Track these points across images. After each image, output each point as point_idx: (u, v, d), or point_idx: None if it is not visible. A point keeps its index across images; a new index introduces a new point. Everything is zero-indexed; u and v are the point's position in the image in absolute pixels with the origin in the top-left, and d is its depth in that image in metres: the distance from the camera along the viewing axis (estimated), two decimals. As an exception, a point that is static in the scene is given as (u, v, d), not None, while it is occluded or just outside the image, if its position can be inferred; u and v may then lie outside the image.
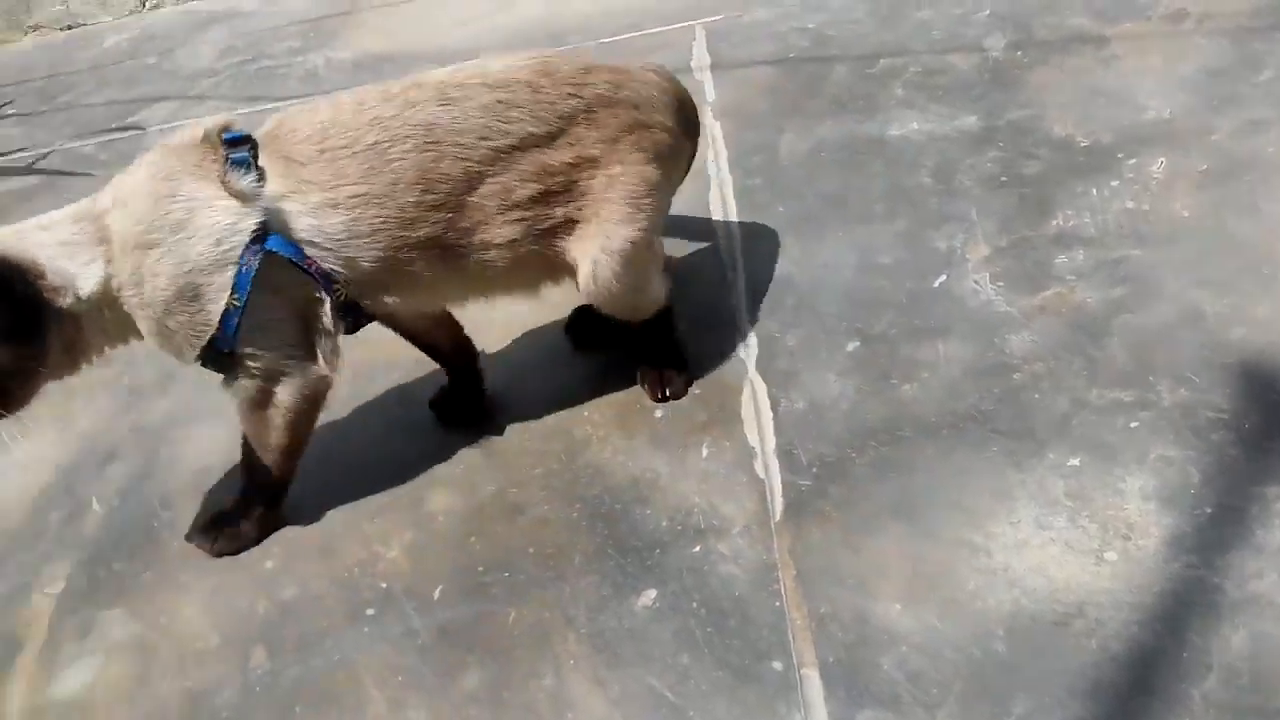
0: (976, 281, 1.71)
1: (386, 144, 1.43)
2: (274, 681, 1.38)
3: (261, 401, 1.50)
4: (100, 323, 1.43)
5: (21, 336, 1.35)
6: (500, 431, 1.68)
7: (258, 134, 1.45)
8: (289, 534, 1.60)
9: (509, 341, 1.87)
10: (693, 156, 1.72)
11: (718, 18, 2.83)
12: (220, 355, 1.44)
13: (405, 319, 1.67)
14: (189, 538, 1.61)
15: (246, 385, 1.48)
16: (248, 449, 1.57)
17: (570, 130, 1.50)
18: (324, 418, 1.67)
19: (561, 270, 1.57)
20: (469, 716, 1.28)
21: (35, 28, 4.47)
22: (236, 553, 1.59)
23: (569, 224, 1.52)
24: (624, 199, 1.52)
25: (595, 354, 1.79)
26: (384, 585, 1.48)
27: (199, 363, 1.46)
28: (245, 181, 1.39)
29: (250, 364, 1.46)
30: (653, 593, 1.36)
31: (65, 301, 1.37)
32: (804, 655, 1.24)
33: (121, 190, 1.43)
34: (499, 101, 1.47)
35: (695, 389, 1.66)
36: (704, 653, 1.27)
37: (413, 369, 1.83)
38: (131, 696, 1.42)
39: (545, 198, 1.50)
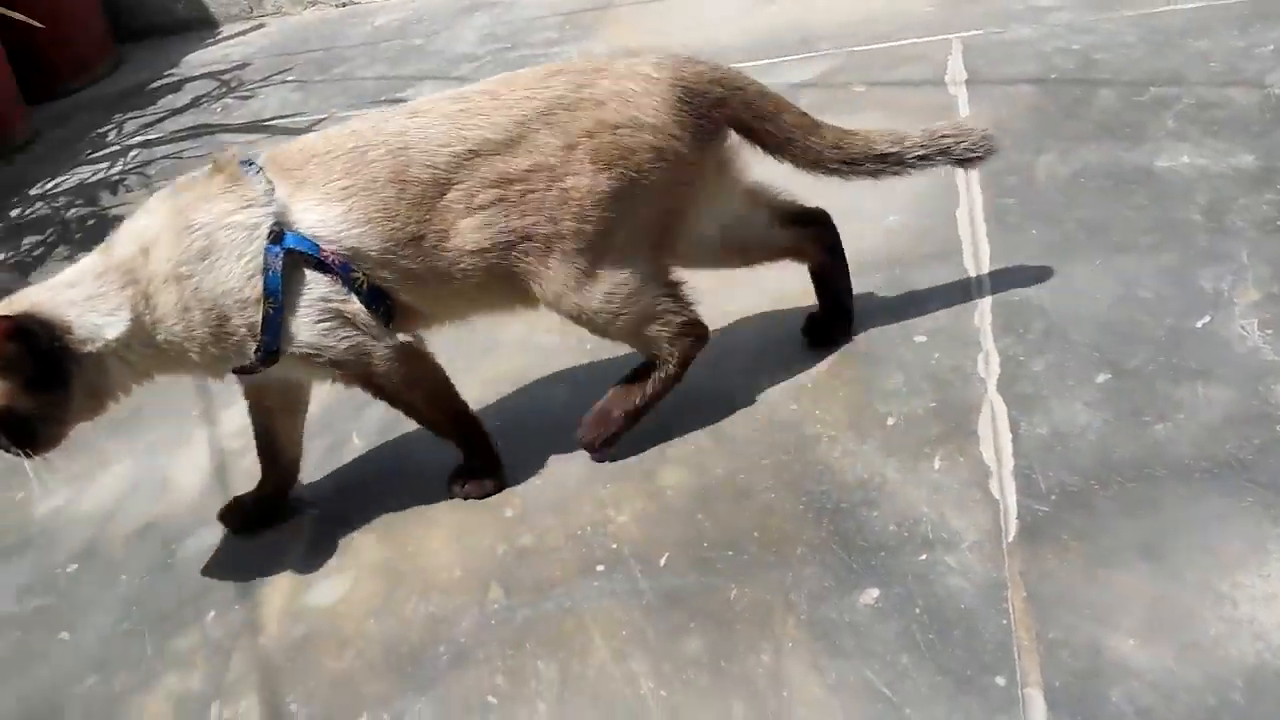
0: (1244, 326, 1.64)
1: (363, 149, 1.52)
2: (508, 617, 1.49)
3: (367, 378, 1.60)
4: (128, 362, 1.53)
5: (46, 387, 1.46)
6: (731, 418, 1.74)
7: (263, 158, 1.57)
8: (528, 488, 1.71)
9: (750, 330, 1.92)
10: (703, 166, 1.60)
11: (977, 33, 2.79)
12: (268, 357, 1.53)
13: (273, 395, 1.71)
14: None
15: (334, 372, 1.59)
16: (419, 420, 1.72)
17: (528, 136, 1.51)
18: (563, 386, 1.78)
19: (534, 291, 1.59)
20: (688, 677, 1.34)
21: (314, 3, 4.87)
22: (481, 496, 1.71)
23: (533, 238, 1.53)
24: (574, 216, 1.51)
25: (826, 354, 1.82)
26: (614, 546, 1.56)
27: (247, 372, 1.58)
28: (256, 184, 1.50)
29: (318, 358, 1.54)
30: (875, 592, 1.38)
31: (91, 349, 1.48)
32: (1029, 675, 1.23)
33: (142, 235, 1.52)
34: (460, 110, 1.53)
35: (930, 402, 1.66)
36: (925, 656, 1.28)
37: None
38: (378, 613, 1.56)
39: (505, 206, 1.51)
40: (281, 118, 3.63)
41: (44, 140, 4.09)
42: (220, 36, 4.82)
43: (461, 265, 1.54)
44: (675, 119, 1.53)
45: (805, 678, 1.29)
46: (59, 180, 3.62)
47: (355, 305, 1.53)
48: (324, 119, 3.50)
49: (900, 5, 3.14)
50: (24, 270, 2.97)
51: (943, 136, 1.65)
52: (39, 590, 1.77)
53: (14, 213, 3.45)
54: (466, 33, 3.96)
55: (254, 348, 1.51)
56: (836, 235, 1.78)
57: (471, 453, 1.71)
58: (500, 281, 1.57)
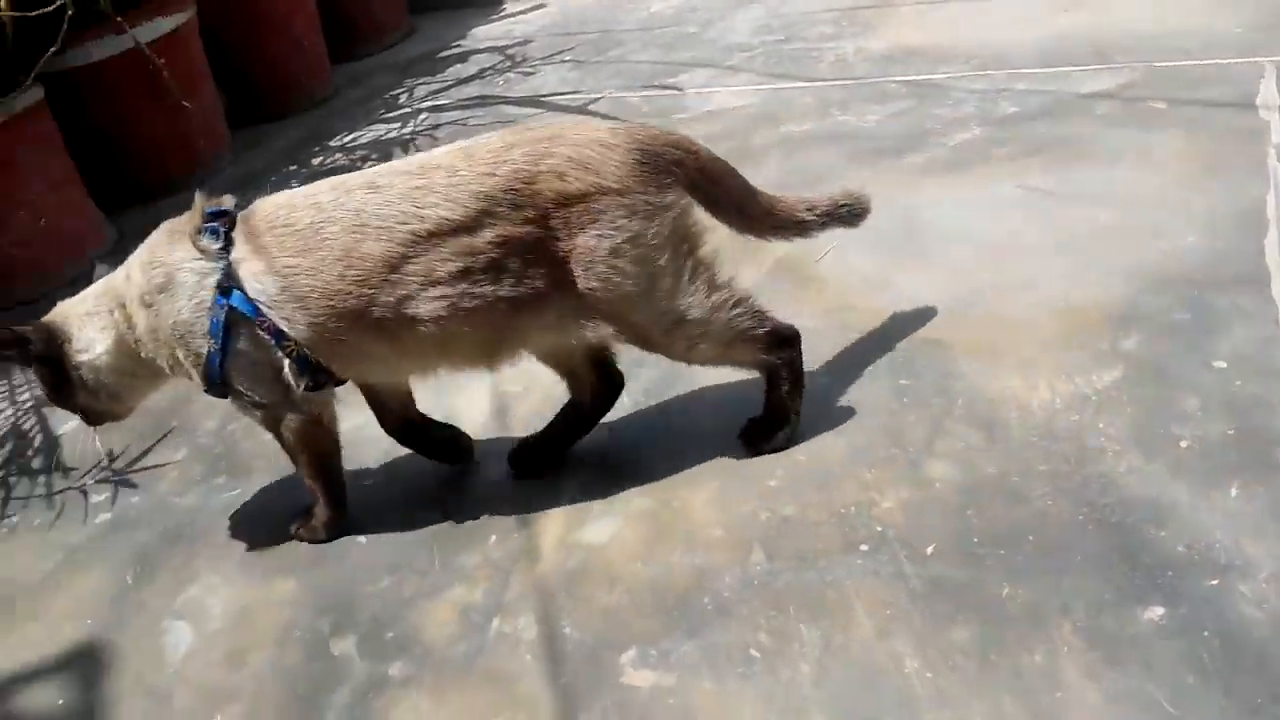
0: None
1: (320, 224, 1.59)
2: (770, 580, 1.55)
3: (273, 427, 1.77)
4: (124, 371, 1.76)
5: (60, 383, 1.78)
6: (1006, 421, 1.73)
7: (240, 214, 1.68)
8: (791, 462, 1.76)
9: (1030, 332, 1.90)
10: (687, 202, 1.66)
11: (1294, 57, 2.63)
12: (216, 386, 1.70)
13: (370, 390, 1.87)
14: None
15: (254, 414, 1.76)
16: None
17: (492, 210, 1.55)
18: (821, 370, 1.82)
19: (508, 346, 1.67)
20: (956, 664, 1.35)
21: (591, -13, 5.07)
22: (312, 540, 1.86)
23: (516, 300, 1.59)
24: (590, 264, 1.57)
25: (1112, 369, 1.77)
26: (878, 529, 1.59)
27: (210, 392, 1.74)
28: (208, 243, 1.63)
29: (245, 398, 1.72)
30: (1160, 609, 1.35)
31: (86, 358, 1.74)
32: (1328, 718, 1.18)
33: (130, 264, 1.73)
34: (416, 188, 1.57)
35: (1229, 429, 1.60)
36: (1212, 680, 1.25)
37: (928, 349, 1.92)
38: (644, 557, 1.65)
39: (471, 278, 1.57)
40: (559, 94, 3.82)
41: (342, 97, 4.47)
42: (505, 13, 5.11)
43: (419, 332, 1.61)
44: (639, 180, 1.59)
45: (1081, 683, 1.28)
46: (356, 135, 3.96)
47: (284, 367, 1.66)
48: (599, 98, 3.67)
49: (1203, 22, 2.99)
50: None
51: (840, 205, 1.80)
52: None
53: (315, 160, 3.79)
54: (740, 23, 4.04)
55: (197, 377, 1.71)
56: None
57: (325, 501, 1.85)
58: (459, 344, 1.65)
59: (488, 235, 1.56)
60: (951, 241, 2.27)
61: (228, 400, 1.76)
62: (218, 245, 1.64)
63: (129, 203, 3.69)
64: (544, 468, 1.89)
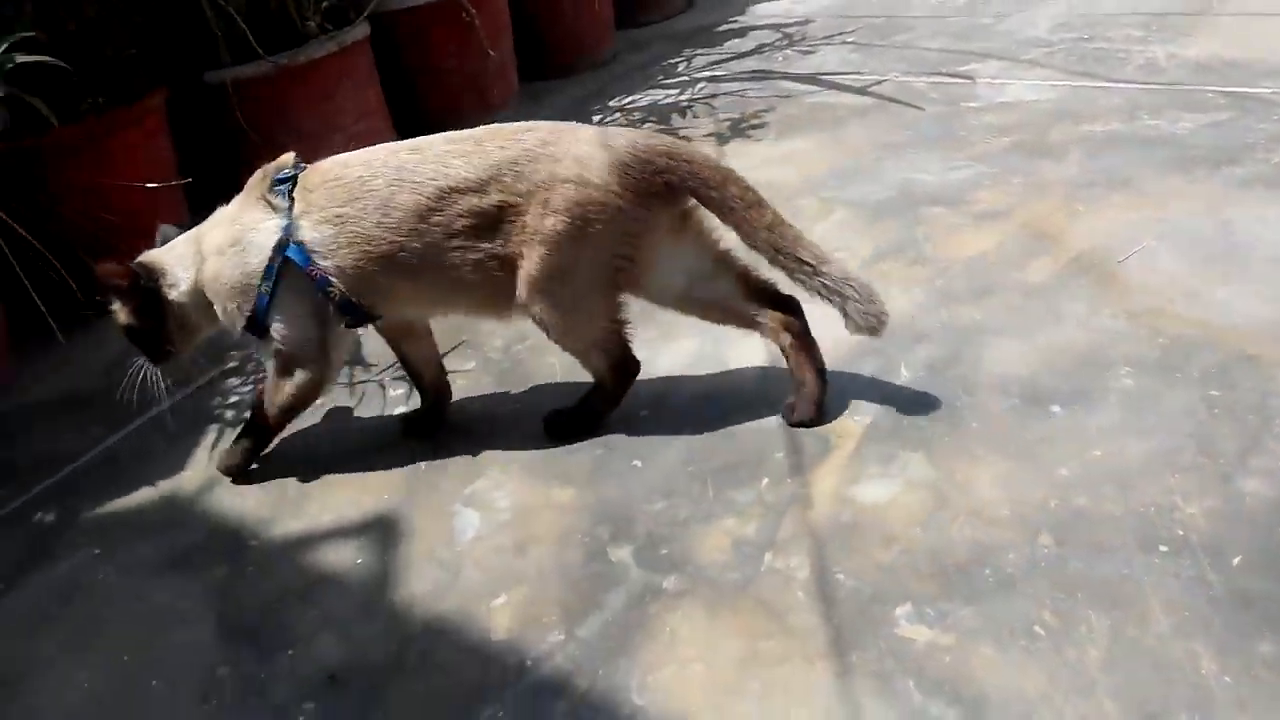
0: None
1: (367, 178, 1.83)
2: (1059, 565, 1.52)
3: (280, 373, 1.99)
4: (198, 309, 1.99)
5: (150, 315, 1.98)
6: (1332, 446, 1.62)
7: (300, 172, 1.92)
8: (1087, 455, 1.72)
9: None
10: (649, 221, 1.80)
11: None
12: (257, 328, 1.92)
13: (393, 329, 2.10)
14: None
15: (274, 359, 1.97)
16: (257, 401, 2.08)
17: (498, 178, 1.78)
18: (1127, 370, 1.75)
19: (504, 298, 1.86)
20: (1259, 675, 1.29)
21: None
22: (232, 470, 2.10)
23: (503, 259, 1.81)
24: (541, 247, 1.78)
25: None
26: (1180, 532, 1.53)
27: (244, 332, 1.96)
28: (279, 199, 1.88)
29: (277, 341, 1.94)
30: None
31: (174, 294, 1.98)
32: None
33: (215, 218, 2.00)
34: (447, 152, 1.82)
35: None
36: None
37: (1244, 364, 1.82)
38: (924, 524, 1.65)
39: (478, 233, 1.80)
40: (840, 73, 3.82)
41: (622, 61, 4.63)
42: (783, -7, 5.15)
43: (434, 277, 1.85)
44: (619, 181, 1.76)
45: None
46: (634, 98, 4.10)
47: (320, 317, 1.93)
48: (883, 80, 3.64)
49: None
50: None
51: (848, 284, 1.77)
52: (617, 427, 2.05)
53: (595, 119, 3.95)
54: (1039, 19, 3.91)
55: (243, 322, 1.94)
56: (804, 323, 1.92)
57: (246, 437, 2.10)
58: (471, 291, 1.87)
59: (493, 199, 1.79)
60: (1275, 260, 2.13)
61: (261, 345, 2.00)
62: (285, 204, 1.89)
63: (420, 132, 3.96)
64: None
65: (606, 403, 2.02)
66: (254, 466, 2.13)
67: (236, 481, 2.12)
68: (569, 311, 1.87)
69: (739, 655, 1.48)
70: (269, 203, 1.91)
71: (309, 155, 3.33)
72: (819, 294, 1.80)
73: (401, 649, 1.62)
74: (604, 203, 1.77)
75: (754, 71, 4.08)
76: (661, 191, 1.79)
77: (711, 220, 1.87)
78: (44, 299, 2.45)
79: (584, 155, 1.78)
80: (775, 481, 1.81)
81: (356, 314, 1.93)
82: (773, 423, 1.96)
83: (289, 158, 1.98)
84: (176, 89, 3.10)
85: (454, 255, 1.82)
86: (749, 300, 1.93)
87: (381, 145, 1.92)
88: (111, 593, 1.89)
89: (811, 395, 1.91)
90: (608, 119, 3.90)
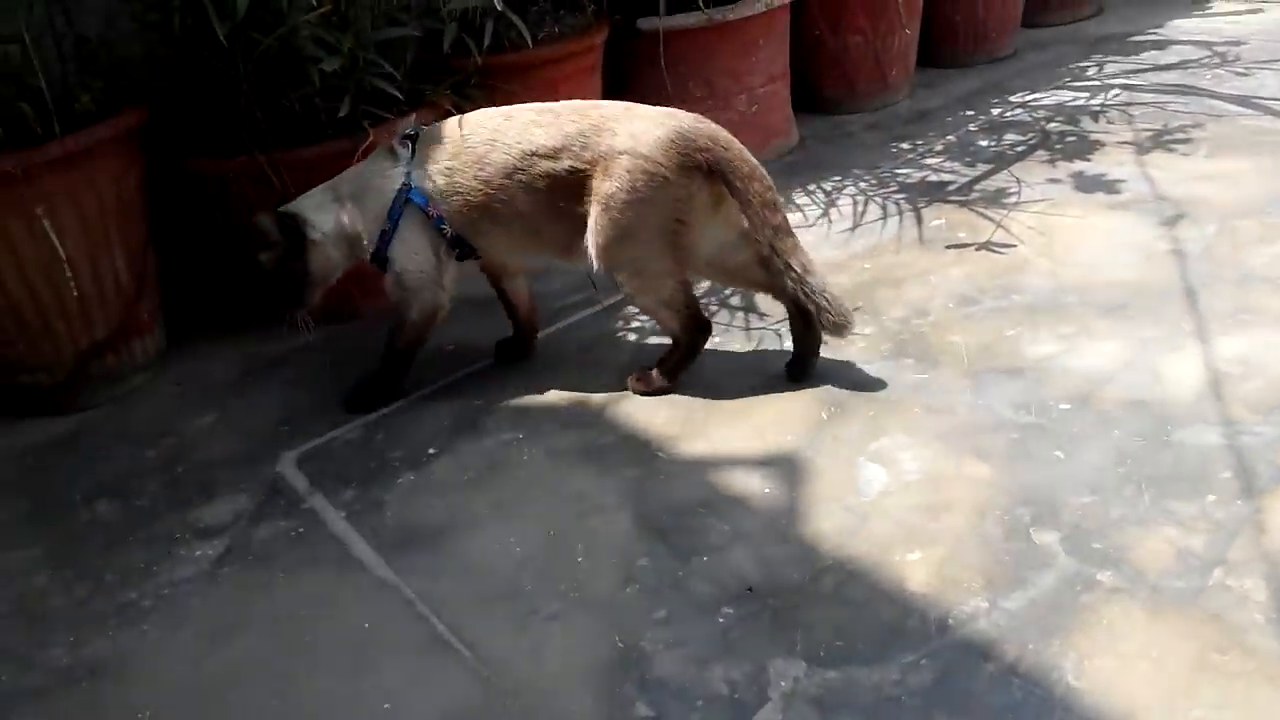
0: None
1: (469, 137, 2.16)
2: None
3: (401, 304, 2.27)
4: (337, 248, 2.24)
5: (295, 258, 2.20)
6: None
7: (423, 131, 2.24)
8: None
9: None
10: (694, 191, 2.06)
11: None
12: (381, 260, 2.23)
13: (492, 265, 2.36)
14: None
15: (395, 288, 2.26)
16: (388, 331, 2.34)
17: (569, 147, 2.07)
18: None
19: (575, 246, 2.15)
20: None
21: None
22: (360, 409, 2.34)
23: (573, 215, 2.11)
24: (603, 209, 2.06)
25: None
26: None
27: (372, 263, 2.25)
28: (403, 150, 2.21)
29: (397, 271, 2.24)
30: None
31: (317, 236, 2.20)
32: None
33: (346, 173, 2.28)
34: (532, 121, 2.13)
35: None
36: None
37: None
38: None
39: (552, 192, 2.10)
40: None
41: (1022, 59, 4.46)
42: (1210, 11, 4.77)
43: (518, 224, 2.16)
44: (665, 155, 2.02)
45: None
46: (1038, 95, 3.94)
47: (437, 249, 2.23)
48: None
49: None
50: (1003, 161, 3.31)
51: (824, 295, 2.04)
52: (1032, 411, 2.00)
53: (995, 111, 3.83)
54: None
55: (368, 255, 2.24)
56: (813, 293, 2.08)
57: (380, 379, 2.36)
58: (545, 240, 2.19)
59: (565, 164, 2.08)
60: None
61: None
62: (408, 154, 2.20)
63: (810, 107, 4.01)
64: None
65: (683, 359, 2.24)
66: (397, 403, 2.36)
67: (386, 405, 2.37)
68: (636, 272, 2.13)
69: (1190, 661, 1.40)
70: (395, 152, 2.22)
71: (714, 110, 3.47)
72: (797, 297, 2.08)
73: (815, 577, 1.66)
74: (652, 173, 2.02)
75: (1178, 85, 3.81)
76: (702, 168, 2.03)
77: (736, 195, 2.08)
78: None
79: (639, 131, 2.05)
80: (1223, 500, 1.70)
81: (464, 248, 2.24)
82: (1215, 441, 1.84)
83: (411, 119, 2.31)
84: (613, 30, 3.30)
85: (533, 207, 2.12)
86: (765, 268, 2.14)
87: (481, 111, 2.25)
88: (534, 472, 2.06)
89: (810, 351, 2.22)
90: (1008, 114, 3.78)
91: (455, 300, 2.34)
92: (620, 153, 2.03)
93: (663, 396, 2.24)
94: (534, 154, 2.10)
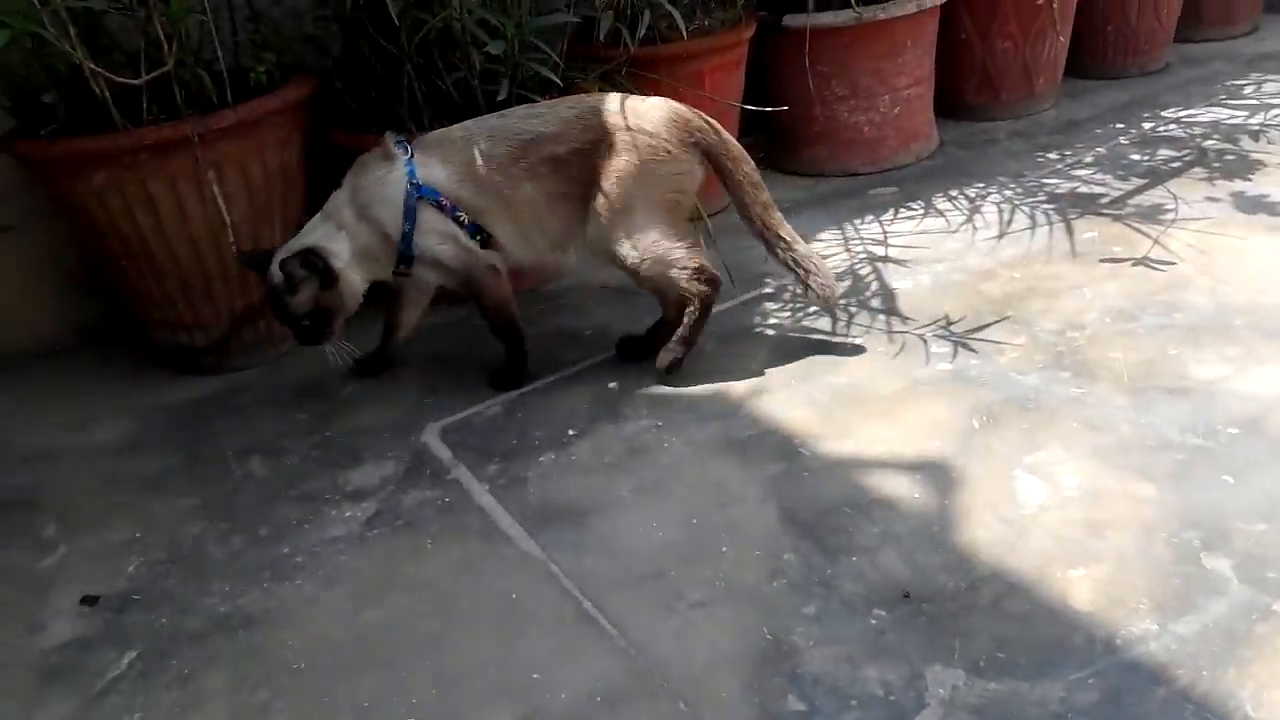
0: None
1: (468, 138, 2.22)
2: None
3: (465, 286, 2.30)
4: (358, 271, 2.26)
5: (329, 288, 2.21)
6: None
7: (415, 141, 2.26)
8: None
9: None
10: (693, 167, 2.22)
11: None
12: (409, 259, 2.25)
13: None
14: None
15: (446, 276, 2.31)
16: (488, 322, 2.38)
17: (570, 130, 2.17)
18: None
19: (575, 227, 2.26)
20: None
21: None
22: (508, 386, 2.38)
23: (574, 198, 2.20)
24: (610, 184, 2.17)
25: None
26: None
27: (397, 270, 2.29)
28: (399, 150, 2.22)
29: (435, 260, 2.26)
30: None
31: (339, 264, 2.22)
32: None
33: (339, 196, 2.28)
34: (528, 114, 2.23)
35: None
36: None
37: None
38: None
39: (554, 174, 2.18)
40: None
41: (1174, 74, 4.30)
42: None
43: (522, 212, 2.23)
44: (668, 131, 2.18)
45: None
46: (1193, 111, 3.79)
47: (459, 232, 2.23)
48: None
49: None
50: (1157, 177, 3.19)
51: (812, 262, 2.24)
52: (1199, 433, 1.92)
53: (1147, 125, 3.70)
54: None
55: (396, 259, 2.25)
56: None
57: (510, 356, 2.38)
58: (546, 230, 2.27)
59: (566, 146, 2.18)
60: None
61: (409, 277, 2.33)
62: (406, 155, 2.21)
63: (950, 113, 3.93)
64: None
65: (701, 320, 2.30)
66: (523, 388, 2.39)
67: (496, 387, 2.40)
68: (638, 243, 2.21)
69: (1386, 707, 1.32)
70: (390, 156, 2.21)
71: (856, 110, 3.43)
72: (787, 265, 2.26)
73: (972, 587, 1.62)
74: (655, 146, 2.16)
75: (1344, 108, 3.63)
76: (699, 146, 2.20)
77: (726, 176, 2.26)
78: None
79: (640, 111, 2.19)
80: None
81: (483, 235, 2.26)
82: (1405, 477, 1.74)
83: (390, 135, 2.27)
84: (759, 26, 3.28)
85: (536, 194, 2.21)
86: (755, 229, 2.29)
87: (473, 119, 2.28)
88: (674, 460, 2.06)
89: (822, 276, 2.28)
90: (1160, 128, 3.65)
91: (580, 284, 2.38)
92: (626, 129, 2.16)
93: (794, 393, 2.22)
94: (534, 140, 2.18)
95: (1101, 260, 2.67)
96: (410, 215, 2.21)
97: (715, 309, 2.39)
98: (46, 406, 2.62)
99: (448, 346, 2.65)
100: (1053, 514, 1.76)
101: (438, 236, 2.24)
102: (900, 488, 1.88)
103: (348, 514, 2.01)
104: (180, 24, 2.29)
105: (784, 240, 2.25)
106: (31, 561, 1.99)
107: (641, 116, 2.18)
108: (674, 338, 2.31)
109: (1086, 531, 1.71)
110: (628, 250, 2.22)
